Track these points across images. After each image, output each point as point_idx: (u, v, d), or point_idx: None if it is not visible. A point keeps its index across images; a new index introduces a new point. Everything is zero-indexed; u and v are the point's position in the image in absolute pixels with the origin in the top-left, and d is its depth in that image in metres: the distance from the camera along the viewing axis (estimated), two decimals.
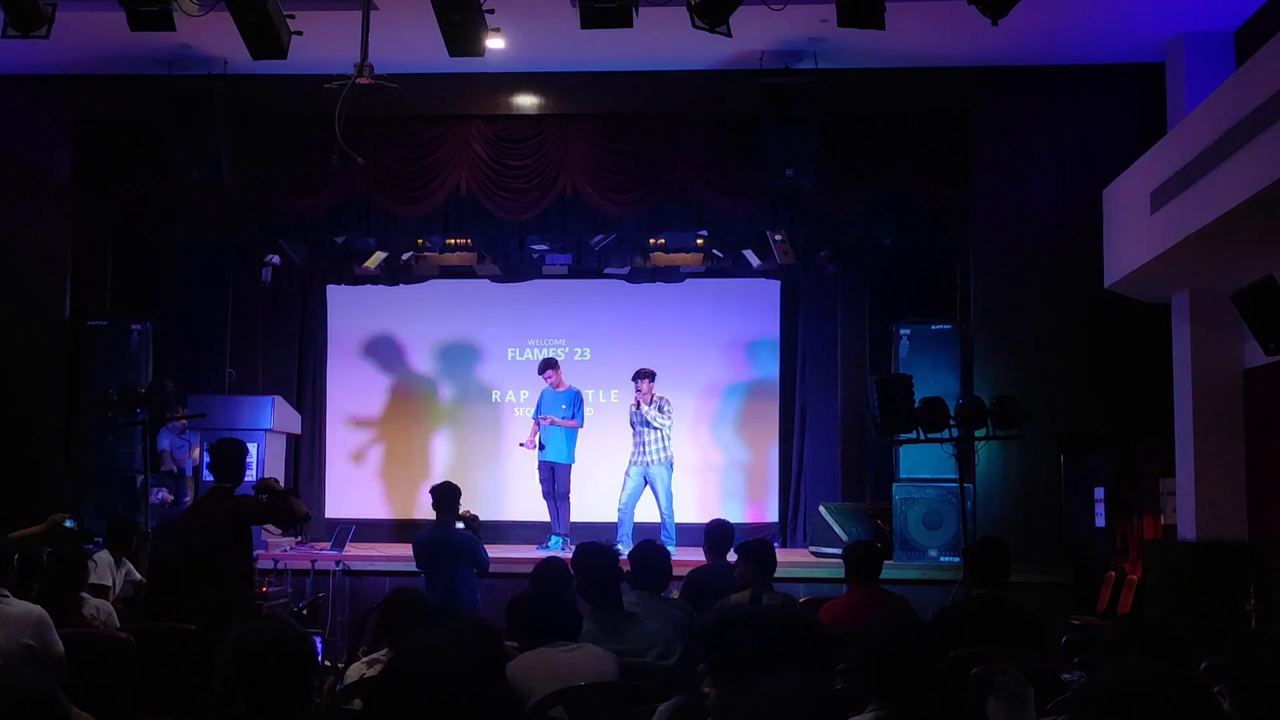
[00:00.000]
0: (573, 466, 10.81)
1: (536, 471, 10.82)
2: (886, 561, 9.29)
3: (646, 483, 10.62)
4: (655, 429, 10.54)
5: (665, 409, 10.60)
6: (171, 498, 10.24)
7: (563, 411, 10.78)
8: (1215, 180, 7.07)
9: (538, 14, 8.70)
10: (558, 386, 10.90)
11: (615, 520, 10.60)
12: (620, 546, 10.14)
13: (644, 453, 10.59)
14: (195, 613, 5.60)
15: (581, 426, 10.83)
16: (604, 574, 4.96)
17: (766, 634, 2.74)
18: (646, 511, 10.69)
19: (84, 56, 9.61)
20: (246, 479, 6.90)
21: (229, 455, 6.47)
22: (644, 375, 10.64)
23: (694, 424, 12.37)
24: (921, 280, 11.02)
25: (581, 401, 10.87)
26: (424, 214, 10.44)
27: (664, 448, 10.60)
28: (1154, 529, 9.63)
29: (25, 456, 9.96)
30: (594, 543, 5.23)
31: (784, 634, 2.75)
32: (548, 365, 10.96)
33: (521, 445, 10.94)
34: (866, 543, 6.69)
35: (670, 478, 10.64)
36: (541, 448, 10.75)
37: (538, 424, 10.82)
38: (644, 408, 10.55)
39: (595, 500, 11.11)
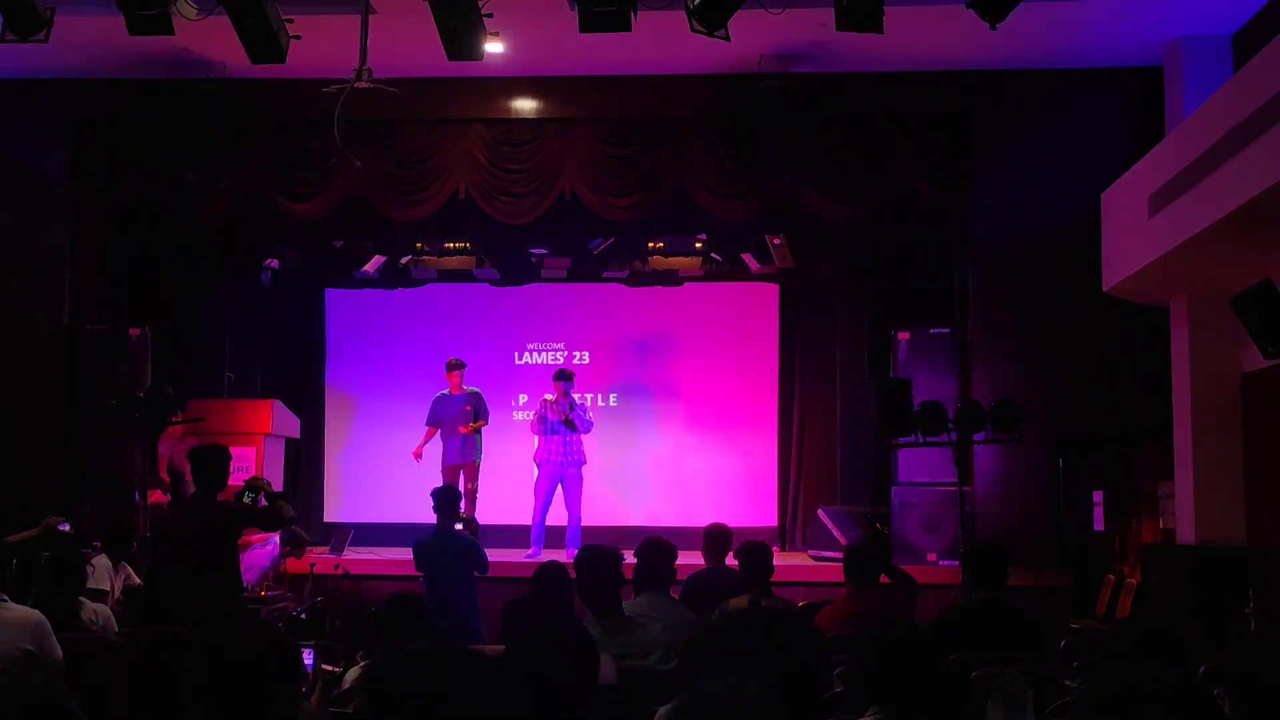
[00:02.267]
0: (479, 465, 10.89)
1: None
2: None
3: (560, 484, 10.55)
4: (581, 433, 10.49)
5: (588, 414, 10.63)
6: (169, 498, 10.18)
7: (466, 414, 10.79)
8: (1214, 184, 7.07)
9: (536, 18, 8.71)
10: (454, 390, 10.89)
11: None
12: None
13: (566, 453, 10.51)
14: (185, 619, 5.60)
15: (487, 424, 10.91)
16: (607, 579, 4.96)
17: (764, 636, 2.74)
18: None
19: (83, 60, 9.60)
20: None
21: (211, 462, 6.35)
22: (567, 377, 10.59)
23: (692, 428, 12.37)
24: (920, 284, 11.03)
25: (481, 399, 10.90)
26: (423, 218, 10.44)
27: (582, 449, 10.55)
28: (1152, 533, 9.62)
29: (24, 461, 9.94)
30: (598, 547, 5.21)
31: (780, 635, 2.76)
32: (455, 367, 10.94)
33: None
34: (865, 545, 6.69)
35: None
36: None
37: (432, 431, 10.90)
38: (573, 409, 10.46)
39: (593, 501, 11.09)
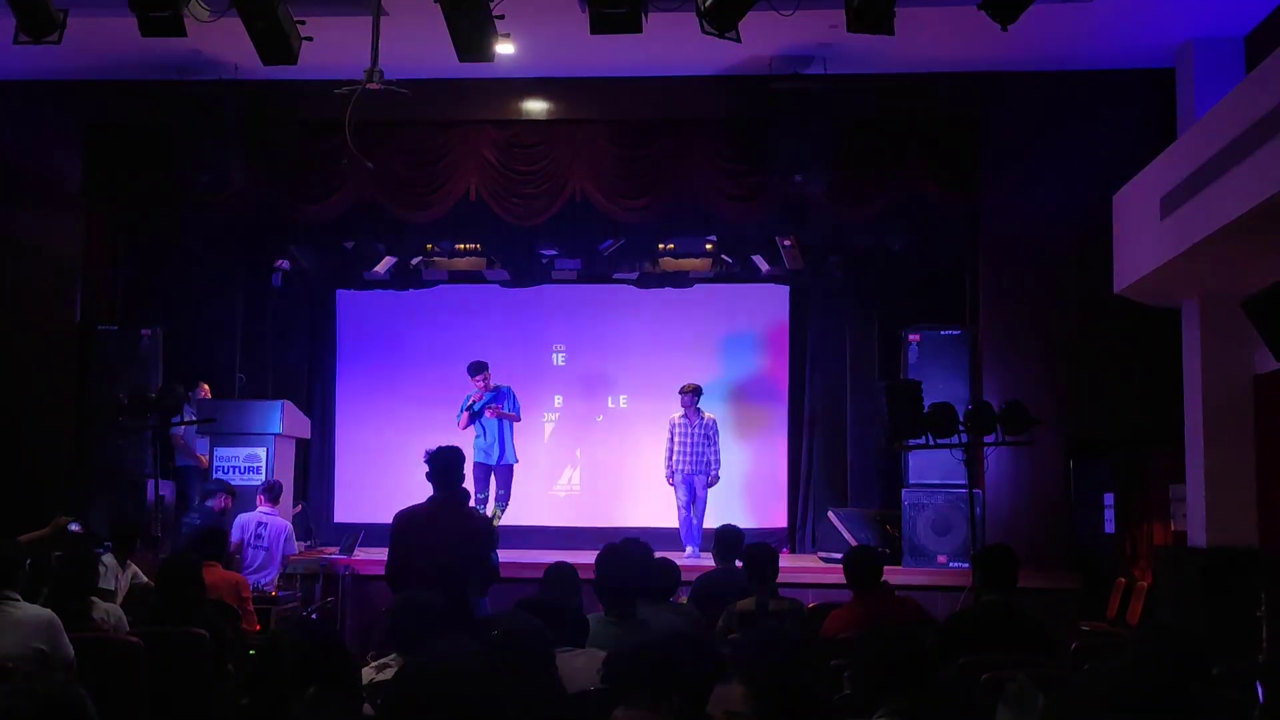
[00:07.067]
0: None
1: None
2: (895, 567, 9.33)
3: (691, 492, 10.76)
4: (714, 444, 10.74)
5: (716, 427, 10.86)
6: (228, 501, 9.76)
7: (495, 409, 10.85)
8: (1226, 186, 7.05)
9: (547, 19, 8.72)
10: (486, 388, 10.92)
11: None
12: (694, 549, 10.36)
13: (695, 464, 10.72)
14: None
15: (519, 420, 11.02)
16: (624, 577, 4.97)
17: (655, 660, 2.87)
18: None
19: (95, 62, 9.64)
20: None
21: (449, 462, 6.49)
22: (695, 391, 10.80)
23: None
24: (930, 285, 11.02)
25: (511, 395, 11.00)
26: (433, 219, 10.47)
27: (715, 463, 10.78)
28: (1164, 535, 9.59)
29: (35, 461, 9.98)
30: (621, 546, 5.18)
31: (672, 658, 2.89)
32: (477, 370, 10.96)
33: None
34: (864, 550, 6.65)
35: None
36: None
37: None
38: (703, 422, 10.72)
39: (604, 503, 11.10)
